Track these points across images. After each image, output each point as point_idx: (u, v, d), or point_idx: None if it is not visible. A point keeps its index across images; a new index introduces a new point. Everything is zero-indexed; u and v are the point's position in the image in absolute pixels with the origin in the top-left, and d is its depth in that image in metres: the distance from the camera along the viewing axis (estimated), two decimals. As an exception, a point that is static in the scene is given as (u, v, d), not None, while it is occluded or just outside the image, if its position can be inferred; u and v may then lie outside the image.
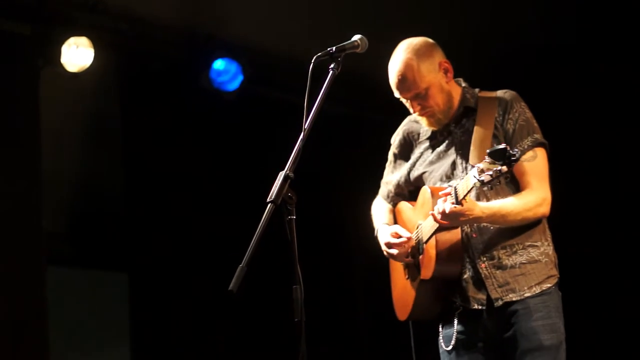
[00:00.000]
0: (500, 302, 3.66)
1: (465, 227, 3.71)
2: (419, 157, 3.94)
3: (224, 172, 6.75)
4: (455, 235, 3.68)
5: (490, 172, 3.30)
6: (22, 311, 5.64)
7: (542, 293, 3.67)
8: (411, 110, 3.85)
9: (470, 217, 3.56)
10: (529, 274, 3.68)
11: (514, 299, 3.66)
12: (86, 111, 6.63)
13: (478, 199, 3.69)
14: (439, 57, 3.81)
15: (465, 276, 3.72)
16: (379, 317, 7.30)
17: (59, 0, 5.85)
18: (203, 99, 6.55)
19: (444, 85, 3.79)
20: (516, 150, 3.32)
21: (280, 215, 2.98)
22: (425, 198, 3.79)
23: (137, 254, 6.59)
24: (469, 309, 3.72)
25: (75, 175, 6.97)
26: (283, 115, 6.03)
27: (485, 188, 3.42)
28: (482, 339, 3.72)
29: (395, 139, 4.08)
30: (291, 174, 3.02)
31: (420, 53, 3.78)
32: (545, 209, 3.71)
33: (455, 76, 3.87)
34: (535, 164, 3.71)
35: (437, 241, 3.68)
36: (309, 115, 3.14)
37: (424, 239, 3.75)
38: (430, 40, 3.85)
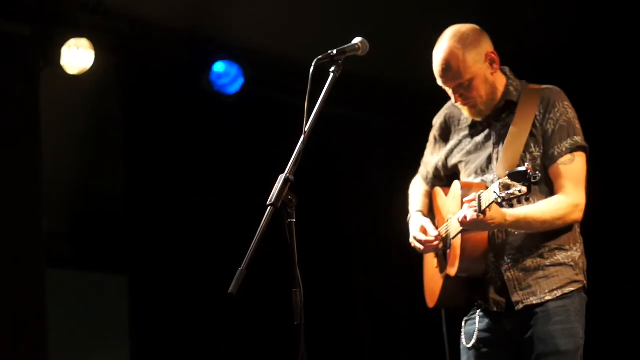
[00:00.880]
0: (520, 306, 3.64)
1: None
2: (457, 144, 3.89)
3: (224, 174, 6.74)
4: (481, 235, 3.65)
5: (511, 191, 3.27)
6: (22, 313, 5.64)
7: (563, 297, 3.62)
8: (452, 100, 3.76)
9: (493, 225, 3.52)
10: (552, 277, 3.64)
11: (534, 302, 3.63)
12: (86, 113, 6.62)
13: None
14: (486, 47, 3.71)
15: (488, 276, 3.70)
16: (379, 320, 7.31)
17: (59, 1, 5.84)
18: (203, 101, 6.54)
19: (488, 76, 3.70)
20: (538, 172, 3.29)
21: (280, 218, 2.98)
22: (455, 192, 3.75)
23: (137, 256, 6.58)
24: (492, 310, 3.71)
25: (75, 177, 6.97)
26: (283, 118, 6.03)
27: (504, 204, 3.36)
28: (502, 340, 3.71)
29: (437, 121, 4.00)
30: (291, 177, 3.01)
31: (467, 42, 3.67)
32: (577, 215, 3.64)
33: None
34: (571, 168, 3.64)
35: (462, 240, 3.65)
36: (309, 118, 3.13)
37: (452, 235, 3.72)
38: (479, 28, 3.74)
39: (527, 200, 3.51)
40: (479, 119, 3.78)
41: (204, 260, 6.51)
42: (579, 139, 3.67)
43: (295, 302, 2.94)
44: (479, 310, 3.76)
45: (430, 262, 3.96)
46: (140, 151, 6.58)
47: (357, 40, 3.37)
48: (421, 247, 3.83)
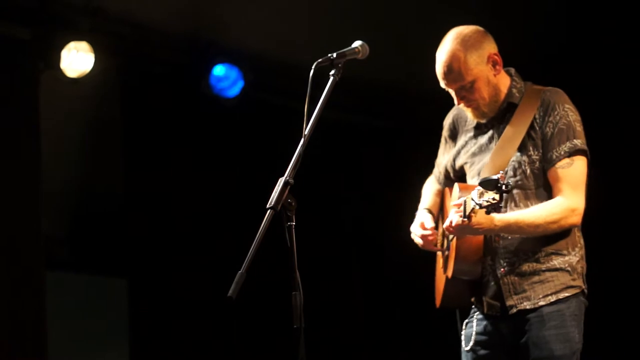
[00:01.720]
0: (514, 310, 3.63)
1: None
2: (464, 145, 3.87)
3: (224, 177, 6.74)
4: (476, 238, 3.64)
5: (485, 198, 3.27)
6: (21, 315, 5.64)
7: (558, 301, 3.60)
8: (455, 102, 3.75)
9: (480, 230, 3.51)
10: (547, 281, 3.62)
11: (527, 307, 3.62)
12: (86, 116, 6.62)
13: (506, 202, 3.62)
14: (489, 48, 3.68)
15: (485, 279, 3.69)
16: (378, 323, 7.31)
17: (59, 4, 5.84)
18: (203, 104, 6.54)
19: (491, 78, 3.68)
20: (510, 181, 3.28)
21: (280, 221, 2.98)
22: (454, 194, 3.74)
23: (137, 259, 6.58)
24: (488, 313, 3.70)
25: (75, 180, 6.97)
26: (283, 121, 6.04)
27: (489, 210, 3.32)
28: (498, 343, 3.70)
29: (446, 122, 3.98)
30: (291, 180, 3.01)
31: (469, 44, 3.65)
32: (574, 219, 3.60)
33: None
34: (570, 171, 3.60)
35: (457, 243, 3.66)
36: (309, 121, 3.13)
37: (450, 237, 3.72)
38: (482, 30, 3.72)
39: (517, 206, 3.55)
40: (482, 121, 3.77)
41: (203, 263, 6.51)
42: (578, 142, 3.63)
43: (294, 305, 2.93)
44: (477, 313, 3.75)
45: (439, 262, 3.97)
46: (140, 154, 6.58)
47: (357, 43, 3.37)
48: (420, 241, 3.83)
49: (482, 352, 3.73)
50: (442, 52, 3.68)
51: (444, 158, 4.00)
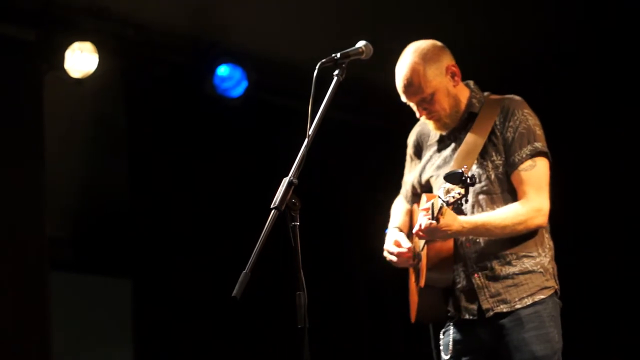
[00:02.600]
0: (491, 313, 3.65)
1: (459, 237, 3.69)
2: (428, 160, 3.93)
3: (228, 178, 6.75)
4: (445, 244, 3.67)
5: (452, 194, 3.33)
6: (25, 316, 5.64)
7: (534, 304, 3.63)
8: (417, 115, 3.82)
9: (449, 232, 3.55)
10: (522, 284, 3.65)
11: (504, 310, 3.64)
12: (90, 117, 6.63)
13: (473, 207, 3.69)
14: (446, 60, 3.77)
15: (458, 286, 3.71)
16: (382, 323, 7.31)
17: (63, 5, 5.85)
18: (207, 104, 6.55)
19: (450, 89, 3.75)
20: (474, 174, 3.33)
21: (284, 222, 2.98)
22: (422, 203, 3.77)
23: (141, 260, 6.59)
24: (462, 319, 3.71)
25: (80, 180, 6.98)
26: (287, 121, 6.04)
27: (451, 207, 3.42)
28: (477, 349, 3.72)
29: (410, 140, 4.05)
30: (295, 180, 3.01)
31: (427, 57, 3.73)
32: (540, 220, 3.65)
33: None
34: (532, 174, 3.66)
35: (427, 250, 3.69)
36: (313, 121, 3.14)
37: (420, 247, 3.76)
38: (439, 44, 3.80)
39: (484, 211, 3.60)
40: (444, 132, 3.83)
41: (207, 263, 6.51)
42: (539, 144, 3.69)
43: (299, 305, 2.94)
44: (452, 322, 3.76)
45: (411, 277, 4.00)
46: (144, 154, 6.58)
47: (360, 43, 3.38)
48: (394, 258, 3.86)
49: (461, 359, 3.74)
50: (401, 67, 3.76)
51: (410, 175, 4.05)
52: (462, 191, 3.31)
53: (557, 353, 3.63)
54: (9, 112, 5.74)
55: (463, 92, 3.81)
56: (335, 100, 3.22)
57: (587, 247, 6.46)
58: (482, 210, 3.67)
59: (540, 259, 3.70)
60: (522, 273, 3.66)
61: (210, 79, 6.39)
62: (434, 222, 3.47)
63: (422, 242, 3.74)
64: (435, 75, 3.72)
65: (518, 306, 3.63)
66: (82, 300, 7.27)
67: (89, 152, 6.83)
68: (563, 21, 6.26)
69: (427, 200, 3.68)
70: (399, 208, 4.11)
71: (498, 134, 3.71)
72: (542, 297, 3.66)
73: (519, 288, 3.65)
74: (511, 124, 3.70)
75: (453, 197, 3.33)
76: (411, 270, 3.98)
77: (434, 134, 3.90)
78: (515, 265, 3.66)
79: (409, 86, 3.73)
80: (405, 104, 3.84)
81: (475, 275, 3.67)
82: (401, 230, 4.00)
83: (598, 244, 6.55)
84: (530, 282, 3.66)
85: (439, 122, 3.79)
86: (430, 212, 3.50)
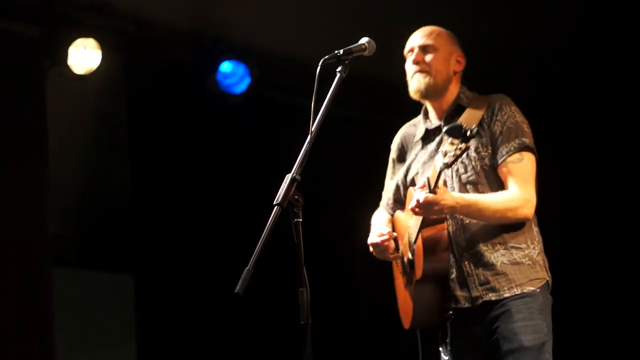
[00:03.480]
0: (480, 301, 3.68)
1: (450, 225, 3.71)
2: (414, 158, 3.96)
3: (231, 174, 6.75)
4: (439, 230, 3.70)
5: (452, 152, 3.35)
6: (28, 312, 5.65)
7: (524, 295, 3.66)
8: (408, 66, 3.87)
9: (445, 205, 3.56)
10: (510, 274, 3.67)
11: (493, 298, 3.67)
12: (93, 113, 6.63)
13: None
14: (459, 49, 3.91)
15: (452, 276, 3.73)
16: (383, 321, 7.31)
17: (66, 1, 5.85)
18: (210, 101, 6.55)
19: (450, 65, 3.86)
20: (474, 126, 3.35)
21: (287, 218, 2.98)
22: (410, 198, 3.78)
23: (144, 256, 6.59)
24: (459, 314, 3.73)
25: (82, 177, 6.98)
26: (290, 118, 6.04)
27: (450, 169, 3.51)
28: (475, 346, 3.74)
29: (394, 144, 4.11)
30: (298, 177, 3.01)
31: (448, 32, 3.91)
32: (527, 211, 3.69)
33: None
34: (520, 167, 3.70)
35: (423, 240, 3.70)
36: (316, 118, 3.14)
37: (413, 239, 3.75)
38: (457, 39, 3.96)
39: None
40: (416, 96, 3.87)
41: (210, 260, 6.51)
42: (527, 140, 3.74)
43: (301, 301, 2.94)
44: (448, 322, 3.77)
45: (400, 283, 4.01)
46: (147, 151, 6.58)
47: (363, 40, 3.38)
48: (381, 247, 3.85)
49: (460, 358, 3.76)
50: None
51: (393, 181, 4.08)
52: (463, 145, 3.33)
53: (546, 345, 3.65)
54: (12, 108, 5.75)
55: (455, 85, 3.89)
56: (338, 97, 3.22)
57: (583, 245, 6.46)
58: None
59: (528, 251, 3.73)
60: (511, 263, 3.69)
61: (213, 75, 6.39)
62: (431, 194, 3.50)
63: (412, 232, 3.74)
64: (448, 44, 3.87)
65: (506, 295, 3.66)
66: (85, 297, 7.27)
67: (91, 148, 6.83)
68: (562, 21, 6.26)
69: (415, 191, 3.69)
70: (380, 218, 4.14)
71: (485, 127, 3.75)
72: (532, 288, 3.68)
73: (507, 277, 3.68)
74: (499, 118, 3.75)
75: (453, 155, 3.35)
76: (399, 278, 4.00)
77: (419, 132, 3.95)
78: (504, 255, 3.70)
79: (422, 31, 3.89)
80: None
81: (465, 262, 3.71)
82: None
83: (596, 242, 6.55)
84: (519, 273, 3.69)
85: (423, 80, 3.83)
86: (426, 187, 3.52)
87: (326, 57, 3.27)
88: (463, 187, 3.73)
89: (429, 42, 3.84)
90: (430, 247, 3.69)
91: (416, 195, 3.56)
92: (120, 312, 7.03)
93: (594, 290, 6.43)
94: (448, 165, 3.38)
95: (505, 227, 3.71)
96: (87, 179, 7.00)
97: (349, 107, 6.87)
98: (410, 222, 3.79)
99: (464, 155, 3.41)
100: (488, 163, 3.74)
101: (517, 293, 3.66)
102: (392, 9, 6.19)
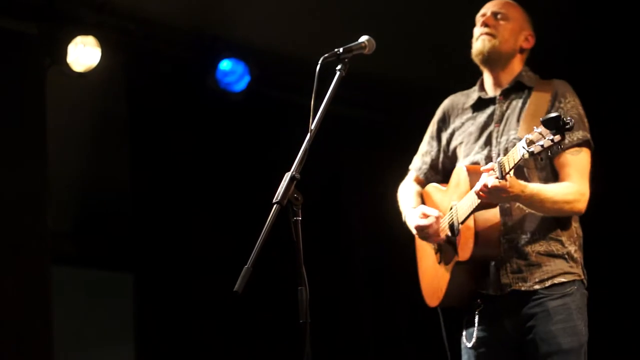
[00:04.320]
0: (508, 289, 3.64)
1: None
2: (460, 126, 3.90)
3: (231, 172, 6.75)
4: (494, 216, 3.62)
5: (542, 142, 3.20)
6: (27, 310, 5.64)
7: (563, 294, 3.62)
8: (476, 29, 3.85)
9: (512, 193, 3.47)
10: (544, 265, 3.63)
11: (522, 288, 3.63)
12: (92, 111, 6.63)
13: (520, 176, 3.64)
14: (531, 28, 3.88)
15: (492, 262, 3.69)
16: (383, 318, 7.31)
17: (66, -1, 5.86)
18: (210, 99, 6.54)
19: (518, 39, 3.83)
20: (570, 118, 3.20)
21: (286, 216, 2.97)
22: (460, 178, 3.73)
23: (143, 255, 6.59)
24: (489, 304, 3.69)
25: (82, 175, 6.98)
26: (289, 116, 6.04)
27: (537, 161, 3.34)
28: (502, 339, 3.70)
29: (439, 109, 4.03)
30: (297, 175, 3.00)
31: (523, 10, 3.89)
32: (582, 205, 3.64)
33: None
34: (578, 159, 3.66)
35: (475, 220, 3.61)
36: (315, 116, 3.14)
37: (460, 220, 3.67)
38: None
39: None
40: (478, 58, 3.83)
41: (209, 258, 6.51)
42: (587, 135, 3.70)
43: (300, 300, 2.93)
44: (477, 310, 3.74)
45: (429, 260, 3.93)
46: (146, 148, 6.58)
47: (363, 38, 3.37)
48: (430, 232, 3.76)
49: (482, 349, 3.74)
50: None
51: (433, 145, 4.01)
52: (558, 137, 3.18)
53: (584, 346, 3.63)
54: (12, 105, 5.74)
55: (519, 62, 3.87)
56: (337, 95, 3.21)
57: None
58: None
59: (568, 245, 3.69)
60: (547, 254, 3.65)
61: (212, 73, 6.39)
62: (502, 181, 3.39)
63: (461, 213, 3.65)
64: (521, 19, 3.86)
65: (537, 287, 3.62)
66: (84, 295, 7.27)
67: (91, 146, 6.83)
68: (563, 22, 6.25)
69: (470, 174, 3.63)
70: (409, 190, 4.05)
71: (552, 110, 3.70)
72: (563, 280, 3.63)
73: (541, 269, 3.63)
74: (563, 105, 3.72)
75: (542, 145, 3.19)
76: (429, 254, 3.92)
77: (471, 99, 3.90)
78: (542, 246, 3.66)
79: (498, 0, 3.87)
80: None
81: (502, 248, 3.65)
82: None
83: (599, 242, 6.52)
84: (553, 264, 3.64)
85: (489, 43, 3.80)
86: (497, 170, 3.39)
87: (326, 55, 3.26)
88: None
89: (503, 10, 3.84)
90: (484, 231, 3.61)
91: (484, 179, 3.44)
92: (119, 311, 7.03)
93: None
94: (533, 155, 3.22)
95: (547, 219, 3.66)
96: (87, 176, 7.01)
97: (348, 105, 6.86)
98: (456, 202, 3.70)
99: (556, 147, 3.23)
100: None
101: (547, 285, 3.61)
102: (395, 6, 6.19)
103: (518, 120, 3.74)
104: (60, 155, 6.24)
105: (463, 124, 3.89)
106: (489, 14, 3.85)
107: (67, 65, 5.80)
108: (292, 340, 3.19)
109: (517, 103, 3.78)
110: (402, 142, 7.33)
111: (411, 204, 3.97)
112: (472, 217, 3.62)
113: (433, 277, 3.90)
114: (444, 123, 3.99)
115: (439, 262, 3.85)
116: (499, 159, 3.45)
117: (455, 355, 3.88)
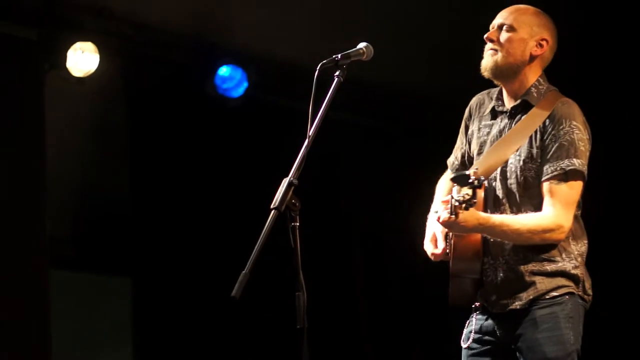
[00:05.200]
0: (506, 309, 3.64)
1: None
2: (477, 132, 3.84)
3: (229, 178, 6.75)
4: (472, 235, 3.61)
5: (461, 194, 3.27)
6: (25, 314, 5.65)
7: (551, 303, 3.60)
8: (485, 37, 3.75)
9: (465, 227, 3.49)
10: (538, 283, 3.61)
11: (518, 307, 3.62)
12: (91, 116, 6.63)
13: (499, 202, 3.65)
14: (546, 32, 3.72)
15: (487, 279, 3.67)
16: (381, 324, 7.32)
17: (65, 5, 5.86)
18: (208, 105, 6.56)
19: (526, 48, 3.68)
20: (483, 178, 3.26)
21: (284, 222, 2.99)
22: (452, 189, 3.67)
23: (141, 259, 6.59)
24: (486, 311, 3.70)
25: (80, 179, 6.97)
26: (288, 122, 6.05)
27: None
28: (493, 344, 3.70)
29: (468, 107, 3.95)
30: (295, 181, 3.02)
31: (538, 13, 3.74)
32: (557, 236, 3.57)
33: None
34: (563, 188, 3.57)
35: (454, 240, 3.64)
36: (313, 122, 3.15)
37: (450, 236, 3.70)
38: (550, 19, 3.78)
39: (504, 211, 3.54)
40: (486, 74, 3.73)
41: (207, 262, 6.52)
42: (577, 162, 3.58)
43: (298, 305, 2.94)
44: (475, 313, 3.76)
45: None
46: (145, 153, 6.59)
47: (361, 45, 3.38)
48: (432, 256, 3.78)
49: (475, 350, 3.74)
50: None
51: (462, 141, 3.95)
52: (470, 193, 3.24)
53: (572, 355, 3.59)
54: (11, 110, 5.75)
55: (533, 71, 3.74)
56: (335, 101, 3.23)
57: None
58: (500, 213, 3.62)
59: (562, 264, 3.64)
60: (540, 274, 3.62)
61: (211, 79, 6.40)
62: (452, 216, 3.39)
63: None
64: (530, 25, 3.69)
65: (532, 305, 3.61)
66: (82, 299, 7.26)
67: (89, 151, 6.83)
68: (563, 24, 6.26)
69: (450, 191, 3.60)
70: (443, 186, 4.00)
71: (539, 136, 3.63)
72: (555, 294, 3.61)
73: (535, 287, 3.62)
74: (554, 131, 3.60)
75: (463, 197, 3.27)
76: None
77: (494, 105, 3.80)
78: (535, 266, 3.63)
79: (508, 9, 3.75)
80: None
81: (501, 268, 3.65)
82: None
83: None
84: (547, 282, 3.62)
85: (492, 57, 3.70)
86: (449, 206, 3.39)
87: (324, 61, 3.27)
88: (508, 191, 3.62)
89: (508, 21, 3.69)
90: (460, 249, 3.62)
91: (439, 212, 3.48)
92: (117, 315, 7.03)
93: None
94: (460, 203, 3.27)
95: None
96: (85, 181, 7.00)
97: (346, 111, 6.87)
98: None
99: (473, 198, 3.26)
100: (534, 175, 3.62)
101: (541, 302, 3.59)
102: (394, 12, 6.20)
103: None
104: (59, 160, 6.25)
105: (479, 129, 3.82)
106: (495, 27, 3.75)
107: (66, 70, 5.82)
108: (290, 345, 3.20)
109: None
110: (402, 147, 7.39)
111: (440, 199, 3.89)
112: (454, 235, 3.64)
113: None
114: (469, 120, 3.92)
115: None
116: (451, 194, 3.41)
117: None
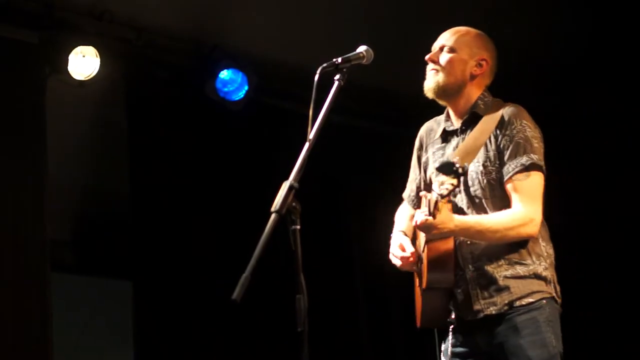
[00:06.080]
0: (481, 315, 3.67)
1: (457, 239, 3.69)
2: (432, 157, 3.93)
3: (229, 181, 6.76)
4: (445, 243, 3.66)
5: (445, 186, 3.31)
6: (26, 318, 5.65)
7: (529, 309, 3.63)
8: (426, 58, 3.86)
9: (444, 229, 3.53)
10: (512, 287, 3.65)
11: (493, 312, 3.65)
12: (92, 120, 6.65)
13: (468, 208, 3.71)
14: (486, 52, 3.85)
15: (458, 289, 3.72)
16: (382, 328, 7.32)
17: (66, 8, 5.87)
18: (209, 108, 6.56)
19: (467, 67, 3.81)
20: (466, 164, 3.32)
21: (284, 225, 2.99)
22: (423, 205, 3.77)
23: (142, 262, 6.59)
24: (462, 323, 3.73)
25: (81, 183, 6.99)
26: (288, 125, 6.05)
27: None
28: (474, 355, 3.73)
29: (418, 137, 4.06)
30: (296, 184, 3.02)
31: (477, 35, 3.87)
32: (531, 229, 3.63)
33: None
34: (526, 183, 3.64)
35: (427, 251, 3.68)
36: (314, 125, 3.16)
37: (421, 248, 3.75)
38: (490, 41, 3.90)
39: (459, 192, 3.62)
40: (429, 95, 3.84)
41: (208, 266, 6.52)
42: (535, 157, 3.67)
43: (298, 308, 2.95)
44: (452, 327, 3.78)
45: (416, 281, 4.00)
46: (146, 157, 6.59)
47: (361, 48, 3.40)
48: (399, 262, 3.85)
49: None
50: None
51: (416, 173, 4.05)
52: (455, 182, 3.29)
53: (555, 357, 3.63)
54: (11, 113, 5.76)
55: (474, 89, 3.85)
56: (336, 104, 3.23)
57: (588, 255, 6.45)
58: (472, 213, 3.69)
59: (534, 266, 3.69)
60: (514, 277, 3.66)
61: (211, 82, 6.41)
62: (430, 217, 3.46)
63: (421, 243, 3.74)
64: (470, 46, 3.82)
65: (506, 308, 3.64)
66: (83, 302, 7.28)
67: (90, 154, 6.85)
68: (565, 26, 6.28)
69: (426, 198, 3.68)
70: (403, 213, 4.11)
71: (494, 140, 3.71)
72: (531, 300, 3.65)
73: (510, 291, 3.65)
74: (507, 132, 3.70)
75: (446, 188, 3.32)
76: (415, 275, 3.99)
77: (439, 130, 3.91)
78: (507, 270, 3.67)
79: (448, 31, 3.87)
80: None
81: (470, 275, 3.69)
82: (406, 235, 3.97)
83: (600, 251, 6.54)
84: (522, 286, 3.65)
85: (432, 78, 3.82)
86: (427, 207, 3.47)
87: (324, 65, 3.29)
88: (471, 200, 3.71)
89: (449, 42, 3.82)
90: (435, 259, 3.67)
91: (416, 216, 3.54)
92: (118, 318, 7.04)
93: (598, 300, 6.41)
94: (442, 197, 3.34)
95: (511, 243, 3.67)
96: (86, 184, 7.02)
97: (347, 114, 6.88)
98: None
99: (461, 185, 3.38)
100: (495, 177, 3.70)
101: (516, 305, 3.63)
102: (394, 15, 6.21)
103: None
104: (59, 164, 6.26)
105: (434, 153, 3.92)
106: (436, 49, 3.86)
107: (67, 74, 5.83)
108: (290, 348, 3.20)
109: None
110: (402, 151, 7.38)
111: (400, 226, 4.05)
112: (426, 247, 3.68)
113: (417, 298, 3.97)
114: (421, 151, 4.02)
115: (418, 285, 3.92)
116: (428, 197, 3.48)
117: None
